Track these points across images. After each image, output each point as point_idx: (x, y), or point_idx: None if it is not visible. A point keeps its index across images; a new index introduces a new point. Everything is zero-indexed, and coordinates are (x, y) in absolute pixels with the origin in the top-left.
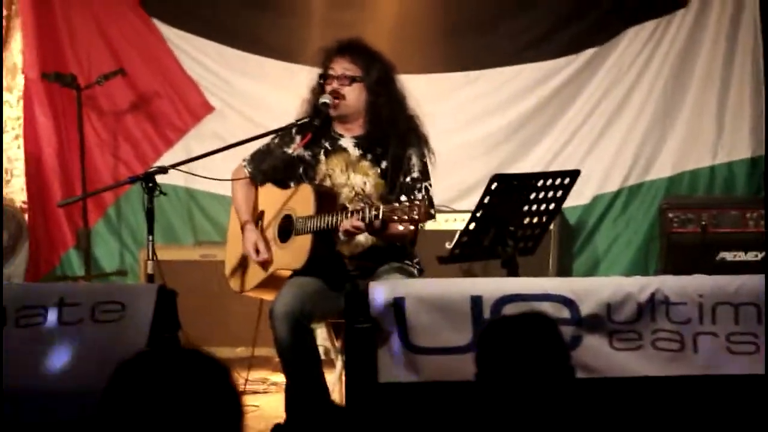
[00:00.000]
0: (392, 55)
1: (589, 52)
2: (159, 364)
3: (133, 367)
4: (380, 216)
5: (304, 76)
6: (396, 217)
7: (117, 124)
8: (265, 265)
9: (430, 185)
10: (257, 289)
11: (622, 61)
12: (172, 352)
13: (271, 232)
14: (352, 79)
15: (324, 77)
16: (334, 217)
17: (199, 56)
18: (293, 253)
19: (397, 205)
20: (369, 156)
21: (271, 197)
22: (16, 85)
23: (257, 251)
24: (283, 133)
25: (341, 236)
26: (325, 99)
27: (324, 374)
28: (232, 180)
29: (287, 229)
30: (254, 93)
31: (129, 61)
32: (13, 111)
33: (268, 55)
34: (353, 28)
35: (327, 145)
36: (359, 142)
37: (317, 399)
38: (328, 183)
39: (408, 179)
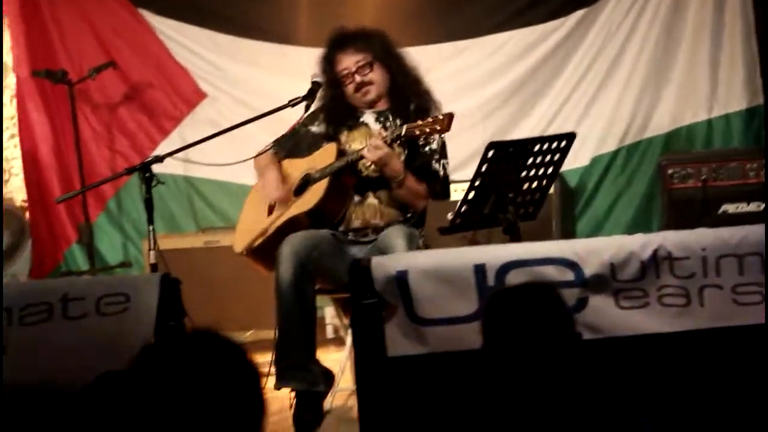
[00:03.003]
0: (384, 28)
1: (578, 14)
2: (177, 350)
3: (153, 354)
4: (403, 133)
5: (296, 57)
6: (418, 132)
7: (111, 116)
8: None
9: (448, 163)
10: (262, 247)
11: (612, 21)
12: (189, 337)
13: (289, 192)
14: (370, 64)
15: (338, 81)
16: (354, 154)
17: (188, 43)
18: (306, 198)
19: (419, 122)
20: (388, 127)
21: (294, 166)
22: (7, 85)
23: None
24: (310, 115)
25: (366, 157)
26: (317, 78)
27: (315, 330)
28: (235, 163)
29: (304, 184)
30: (246, 77)
31: (119, 54)
32: (7, 110)
33: (258, 38)
34: (341, 5)
35: (349, 123)
36: (379, 117)
37: (305, 347)
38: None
39: (427, 149)
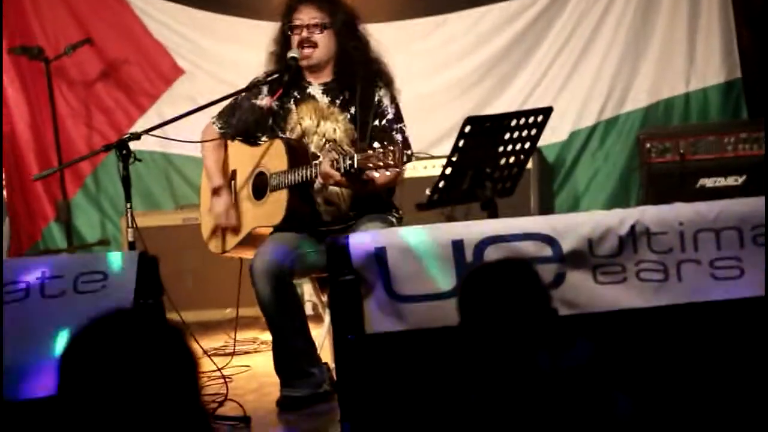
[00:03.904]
0: (359, 4)
1: None
2: (110, 330)
3: (85, 335)
4: (355, 164)
5: (272, 32)
6: (371, 165)
7: (88, 93)
8: (236, 230)
9: (405, 126)
10: (237, 248)
11: None
12: (126, 317)
13: (246, 191)
14: (323, 26)
15: (290, 28)
16: (309, 170)
17: (165, 19)
18: (270, 210)
19: (371, 152)
20: (338, 102)
21: (242, 155)
22: None
23: (227, 217)
24: (252, 86)
25: (316, 187)
26: (293, 53)
27: (309, 328)
28: (202, 142)
29: (262, 186)
30: (223, 53)
31: (96, 30)
32: None
33: (234, 13)
34: None
35: (296, 94)
36: (327, 89)
37: (304, 354)
38: (298, 131)
39: (383, 122)
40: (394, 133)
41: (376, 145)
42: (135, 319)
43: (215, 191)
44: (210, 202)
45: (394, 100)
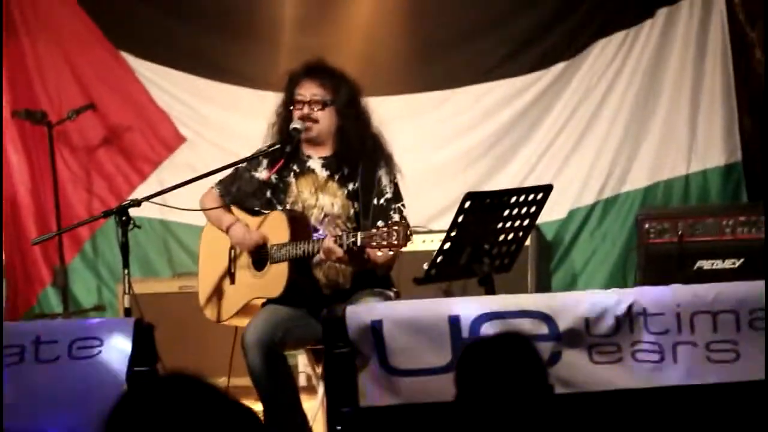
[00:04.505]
0: (364, 77)
1: (559, 66)
2: (155, 397)
3: (131, 403)
4: (358, 242)
5: (274, 102)
6: (375, 243)
7: (90, 158)
8: (233, 299)
9: (404, 206)
10: (234, 317)
11: (593, 74)
12: (164, 382)
13: (246, 261)
14: (324, 104)
15: (292, 102)
16: (311, 245)
17: (168, 87)
18: (270, 282)
19: (374, 230)
20: (336, 177)
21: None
22: None
23: (248, 239)
24: (252, 158)
25: (316, 261)
26: (296, 125)
27: (301, 400)
28: (203, 210)
29: (262, 257)
30: (225, 121)
31: (99, 95)
32: None
33: (237, 83)
34: (323, 53)
35: (295, 167)
36: (327, 163)
37: (295, 426)
38: (298, 205)
39: (382, 201)
40: (392, 212)
41: (380, 223)
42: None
43: (228, 229)
44: (209, 265)
45: (393, 178)
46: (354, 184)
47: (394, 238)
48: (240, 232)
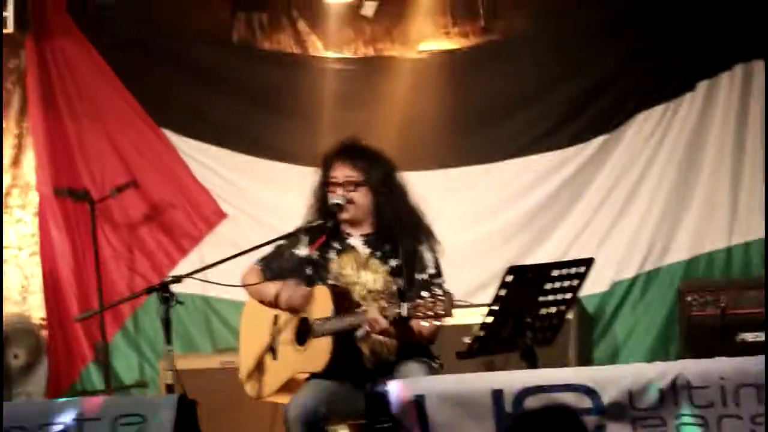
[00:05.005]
0: (404, 152)
1: (600, 139)
2: None
3: None
4: (404, 313)
5: (312, 177)
6: (420, 314)
7: (131, 235)
8: (276, 375)
9: (444, 281)
10: (275, 393)
11: (633, 147)
12: None
13: (288, 336)
14: (357, 184)
15: (326, 184)
16: (355, 317)
17: (209, 163)
18: (313, 356)
19: (420, 301)
20: (378, 254)
21: None
22: (30, 202)
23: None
24: (291, 236)
25: (359, 334)
26: (338, 200)
27: None
28: (244, 286)
29: (304, 331)
30: (266, 197)
31: (141, 172)
32: (28, 228)
33: (278, 158)
34: (363, 127)
35: (337, 245)
36: (368, 240)
37: None
38: (340, 282)
39: (425, 276)
40: (434, 288)
41: (424, 294)
42: None
43: (277, 295)
44: (251, 340)
45: (435, 252)
46: (396, 260)
47: (440, 308)
48: (290, 287)
